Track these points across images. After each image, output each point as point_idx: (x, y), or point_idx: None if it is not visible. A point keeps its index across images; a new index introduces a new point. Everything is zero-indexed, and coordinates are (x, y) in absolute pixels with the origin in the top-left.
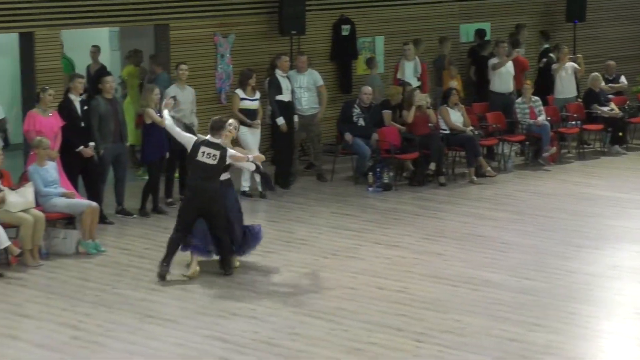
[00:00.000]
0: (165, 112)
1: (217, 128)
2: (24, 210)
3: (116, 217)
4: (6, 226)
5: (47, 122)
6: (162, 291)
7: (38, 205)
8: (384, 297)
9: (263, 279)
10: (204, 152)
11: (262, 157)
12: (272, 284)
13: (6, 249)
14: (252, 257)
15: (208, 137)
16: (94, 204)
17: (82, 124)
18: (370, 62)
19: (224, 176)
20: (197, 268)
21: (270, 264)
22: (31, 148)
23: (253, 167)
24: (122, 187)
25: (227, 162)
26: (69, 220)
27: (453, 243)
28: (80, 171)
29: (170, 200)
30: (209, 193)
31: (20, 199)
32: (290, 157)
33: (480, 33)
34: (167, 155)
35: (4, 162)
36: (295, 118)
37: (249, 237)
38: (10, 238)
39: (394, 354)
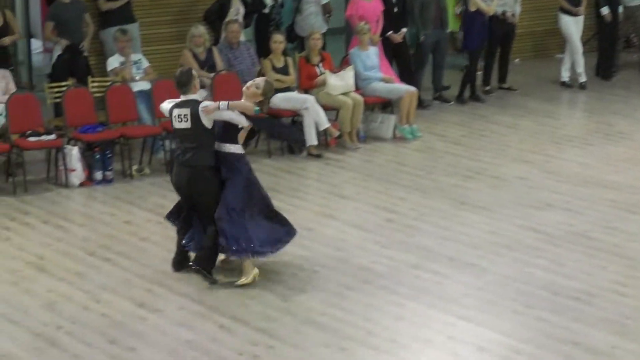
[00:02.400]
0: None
1: (182, 83)
2: (344, 94)
3: (434, 103)
4: (326, 108)
5: (369, 7)
6: (477, 179)
7: (358, 88)
8: None
9: (580, 171)
10: (176, 116)
11: (247, 105)
12: (589, 176)
13: (325, 131)
14: (569, 148)
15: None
16: (413, 89)
17: (396, 10)
18: None
19: (232, 148)
20: (255, 271)
21: (585, 156)
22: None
23: (243, 122)
24: (441, 73)
25: (205, 120)
26: (386, 104)
27: None
28: (394, 56)
29: (488, 88)
30: (189, 171)
31: (341, 82)
32: (614, 48)
33: None
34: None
35: (327, 45)
36: (620, 8)
37: (277, 232)
38: (329, 120)
39: None
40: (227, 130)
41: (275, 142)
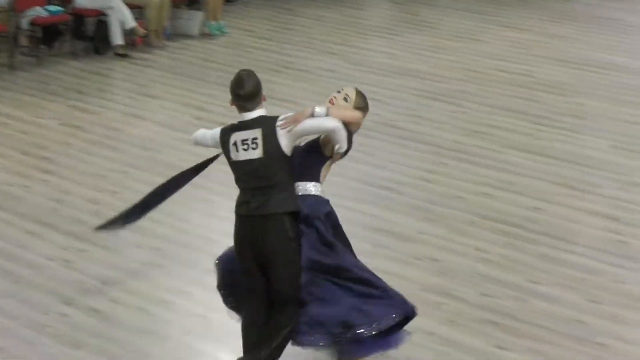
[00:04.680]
0: None
1: (252, 95)
2: None
3: None
4: (132, 7)
5: None
6: (284, 73)
7: None
8: (507, 80)
9: (385, 61)
10: (239, 142)
11: (356, 114)
12: (394, 66)
13: (132, 30)
14: (374, 39)
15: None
16: None
17: None
18: None
19: (311, 188)
20: None
21: (391, 46)
22: None
23: (344, 142)
24: None
25: (288, 141)
26: (193, 1)
27: (578, 26)
28: None
29: None
30: (261, 222)
31: None
32: None
33: None
34: None
35: None
36: None
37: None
38: (135, 19)
39: (513, 136)
40: (309, 161)
41: (80, 43)
